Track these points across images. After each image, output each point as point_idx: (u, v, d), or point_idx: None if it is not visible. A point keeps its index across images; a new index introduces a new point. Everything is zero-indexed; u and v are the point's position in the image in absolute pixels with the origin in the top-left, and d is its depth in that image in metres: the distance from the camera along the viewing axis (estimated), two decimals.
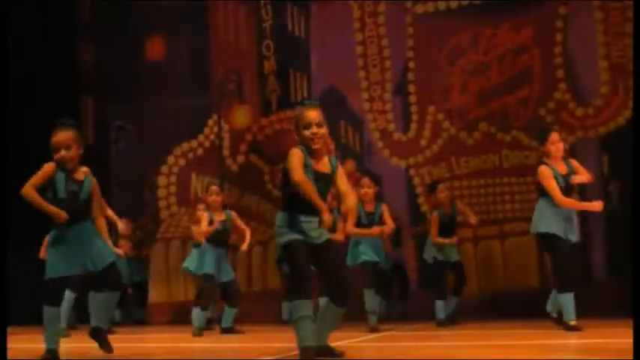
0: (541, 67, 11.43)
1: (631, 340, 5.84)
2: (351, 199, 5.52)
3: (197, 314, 9.11)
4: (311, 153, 5.35)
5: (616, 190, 10.61)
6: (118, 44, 13.22)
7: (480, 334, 7.80)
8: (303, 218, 5.27)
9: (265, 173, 12.47)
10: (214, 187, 9.59)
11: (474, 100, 11.64)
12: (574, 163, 7.99)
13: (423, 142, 11.78)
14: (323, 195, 5.32)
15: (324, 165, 5.41)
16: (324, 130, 5.37)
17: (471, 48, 11.69)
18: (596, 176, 10.76)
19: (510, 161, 11.35)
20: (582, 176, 7.90)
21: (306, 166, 5.28)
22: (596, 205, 7.69)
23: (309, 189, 5.16)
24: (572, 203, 7.79)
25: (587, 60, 11.27)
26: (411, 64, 11.95)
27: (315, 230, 5.29)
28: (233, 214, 9.53)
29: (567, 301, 7.63)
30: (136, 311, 12.43)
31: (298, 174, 5.19)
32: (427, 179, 11.48)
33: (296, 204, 5.28)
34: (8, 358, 5.66)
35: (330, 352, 5.42)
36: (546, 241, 7.83)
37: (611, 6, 11.22)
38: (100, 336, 6.06)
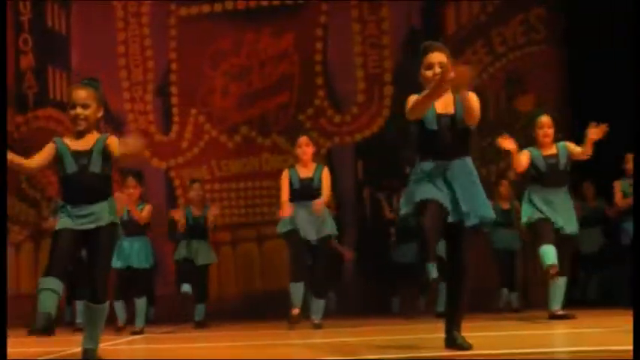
0: (301, 74, 11.71)
1: (373, 338, 6.11)
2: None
3: None
4: (75, 135, 5.21)
5: (368, 194, 11.03)
6: None
7: (237, 335, 7.89)
8: (69, 207, 5.15)
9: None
10: None
11: (235, 103, 11.76)
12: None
13: (184, 144, 11.77)
14: (90, 175, 5.17)
15: (87, 143, 5.25)
16: (88, 112, 5.21)
17: (233, 52, 11.80)
18: (351, 181, 11.19)
19: (270, 165, 11.55)
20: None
21: (63, 155, 5.15)
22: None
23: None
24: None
25: (345, 69, 11.67)
26: (174, 66, 11.90)
27: (82, 218, 5.16)
28: None
29: (294, 290, 8.10)
30: None
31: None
32: (187, 182, 11.49)
33: (64, 193, 5.19)
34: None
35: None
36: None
37: (369, 19, 11.68)
38: None
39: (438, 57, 5.05)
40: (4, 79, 4.59)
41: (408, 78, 11.92)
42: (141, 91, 11.92)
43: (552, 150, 7.85)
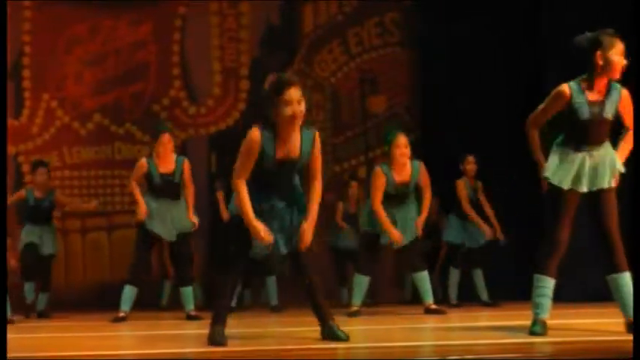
0: (157, 64, 11.66)
1: (236, 331, 6.19)
2: None
3: None
4: None
5: (221, 187, 11.05)
6: None
7: (84, 326, 7.81)
8: None
9: None
10: None
11: (88, 90, 11.58)
12: None
13: (35, 130, 11.51)
14: None
15: None
16: None
17: (89, 38, 11.62)
18: (205, 174, 11.20)
19: (123, 154, 11.45)
20: None
21: None
22: None
23: None
24: None
25: (202, 61, 11.71)
26: (27, 49, 11.61)
27: None
28: None
29: (128, 294, 8.19)
30: None
31: None
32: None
33: None
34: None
35: None
36: None
37: (228, 12, 11.74)
38: None
39: (296, 93, 4.96)
40: (4, 78, 4.46)
41: (264, 73, 12.14)
42: None
43: (406, 174, 8.03)
